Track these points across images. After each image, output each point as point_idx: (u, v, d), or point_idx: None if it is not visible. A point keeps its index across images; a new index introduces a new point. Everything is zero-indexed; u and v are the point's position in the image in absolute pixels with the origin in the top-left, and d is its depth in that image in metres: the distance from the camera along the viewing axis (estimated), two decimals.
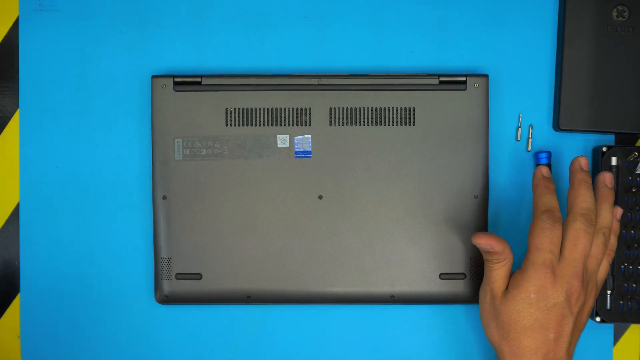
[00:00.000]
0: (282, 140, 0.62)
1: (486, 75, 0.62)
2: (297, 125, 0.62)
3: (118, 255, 0.64)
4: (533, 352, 0.55)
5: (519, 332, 0.55)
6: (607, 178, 0.58)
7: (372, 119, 0.62)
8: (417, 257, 0.62)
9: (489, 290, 0.57)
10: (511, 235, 0.64)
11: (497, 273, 0.57)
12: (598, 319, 0.62)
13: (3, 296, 0.65)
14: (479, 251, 0.62)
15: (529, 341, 0.55)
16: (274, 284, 0.62)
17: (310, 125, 0.62)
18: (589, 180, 0.57)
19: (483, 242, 0.56)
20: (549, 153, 0.63)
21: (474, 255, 0.62)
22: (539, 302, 0.55)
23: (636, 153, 0.61)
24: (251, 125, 0.62)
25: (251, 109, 0.62)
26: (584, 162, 0.58)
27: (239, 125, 0.62)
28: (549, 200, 0.57)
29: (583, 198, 0.56)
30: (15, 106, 0.65)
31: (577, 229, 0.55)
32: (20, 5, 0.65)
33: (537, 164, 0.63)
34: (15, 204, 0.65)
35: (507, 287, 0.57)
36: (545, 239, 0.55)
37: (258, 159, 0.62)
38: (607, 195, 0.58)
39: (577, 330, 0.56)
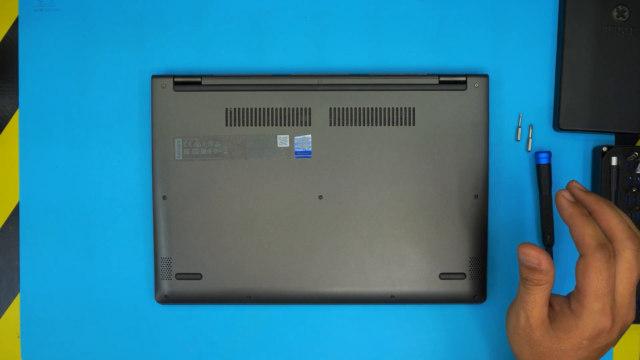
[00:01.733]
0: (282, 140, 0.62)
1: (486, 75, 0.62)
2: (297, 125, 0.62)
3: (118, 255, 0.64)
4: None
5: None
6: (577, 184, 0.53)
7: (372, 119, 0.62)
8: (417, 257, 0.62)
9: (524, 316, 0.51)
10: (511, 236, 0.64)
11: (536, 298, 0.50)
12: None
13: (3, 296, 0.65)
14: (479, 251, 0.62)
15: None
16: (274, 284, 0.62)
17: (310, 125, 0.62)
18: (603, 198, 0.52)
19: (533, 253, 0.49)
20: (549, 153, 0.63)
21: (474, 255, 0.62)
22: (591, 346, 0.50)
23: (636, 153, 0.61)
24: (251, 125, 0.62)
25: (251, 109, 0.62)
26: (578, 184, 0.53)
27: (239, 125, 0.62)
28: (594, 231, 0.49)
29: (618, 219, 0.49)
30: (15, 106, 0.65)
31: (630, 260, 0.49)
32: (20, 5, 0.65)
33: (538, 164, 0.63)
34: (15, 204, 0.65)
35: (549, 320, 0.51)
36: (603, 282, 0.48)
37: (258, 159, 0.62)
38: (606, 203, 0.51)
39: None
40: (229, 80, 0.62)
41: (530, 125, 0.64)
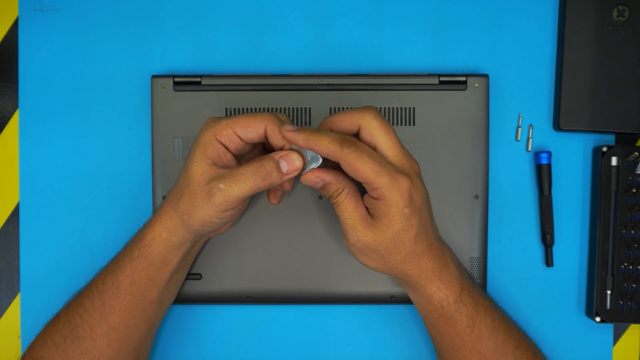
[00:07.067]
0: None
1: (486, 75, 0.62)
2: (297, 125, 0.62)
3: None
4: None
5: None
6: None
7: None
8: None
9: (351, 228, 0.53)
10: (511, 236, 0.64)
11: (345, 205, 0.53)
12: (598, 319, 0.62)
13: (3, 296, 0.65)
14: (479, 251, 0.62)
15: None
16: (274, 284, 0.62)
17: (310, 125, 0.62)
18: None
19: (311, 177, 0.52)
20: (549, 153, 0.63)
21: (474, 255, 0.62)
22: (414, 210, 0.53)
23: (636, 153, 0.61)
24: None
25: (251, 109, 0.62)
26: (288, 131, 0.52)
27: None
28: (328, 137, 0.51)
29: (339, 115, 0.52)
30: (15, 106, 0.65)
31: (379, 124, 0.51)
32: (20, 5, 0.65)
33: (538, 164, 0.63)
34: (15, 204, 0.65)
35: (370, 216, 0.53)
36: (370, 163, 0.50)
37: None
38: None
39: None
40: (229, 80, 0.62)
41: (530, 125, 0.64)
